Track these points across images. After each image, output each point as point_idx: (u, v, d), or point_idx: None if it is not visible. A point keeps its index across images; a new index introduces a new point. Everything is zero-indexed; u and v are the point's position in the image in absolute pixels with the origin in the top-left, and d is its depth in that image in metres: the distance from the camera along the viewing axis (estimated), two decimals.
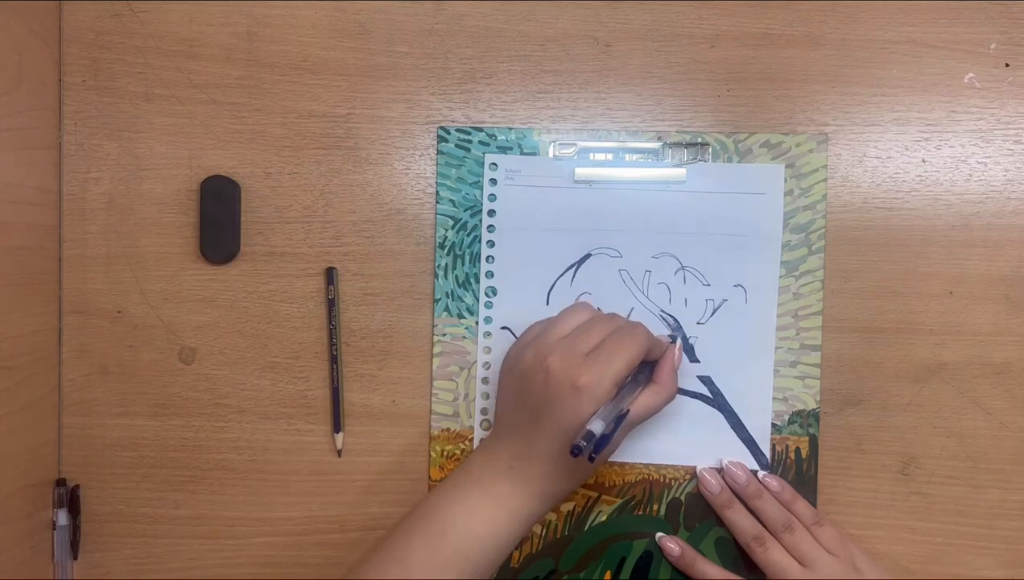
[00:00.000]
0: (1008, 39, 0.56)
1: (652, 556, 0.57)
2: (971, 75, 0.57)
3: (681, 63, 0.57)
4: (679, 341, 0.56)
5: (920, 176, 0.57)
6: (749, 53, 0.57)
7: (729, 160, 0.57)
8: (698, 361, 0.58)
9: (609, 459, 0.57)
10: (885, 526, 0.57)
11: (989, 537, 0.57)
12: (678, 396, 0.57)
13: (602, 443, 0.47)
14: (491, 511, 0.49)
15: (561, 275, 0.58)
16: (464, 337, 0.58)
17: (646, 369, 0.53)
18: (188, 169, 0.59)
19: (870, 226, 0.57)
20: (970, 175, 0.57)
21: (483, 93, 0.58)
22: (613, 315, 0.54)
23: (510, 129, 0.58)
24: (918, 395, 0.57)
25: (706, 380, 0.57)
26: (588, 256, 0.58)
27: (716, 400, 0.57)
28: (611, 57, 0.58)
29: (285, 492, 0.59)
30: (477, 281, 0.58)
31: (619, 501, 0.58)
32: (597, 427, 0.47)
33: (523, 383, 0.50)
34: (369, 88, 0.58)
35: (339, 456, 0.59)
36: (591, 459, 0.46)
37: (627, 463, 0.58)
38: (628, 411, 0.49)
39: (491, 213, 0.58)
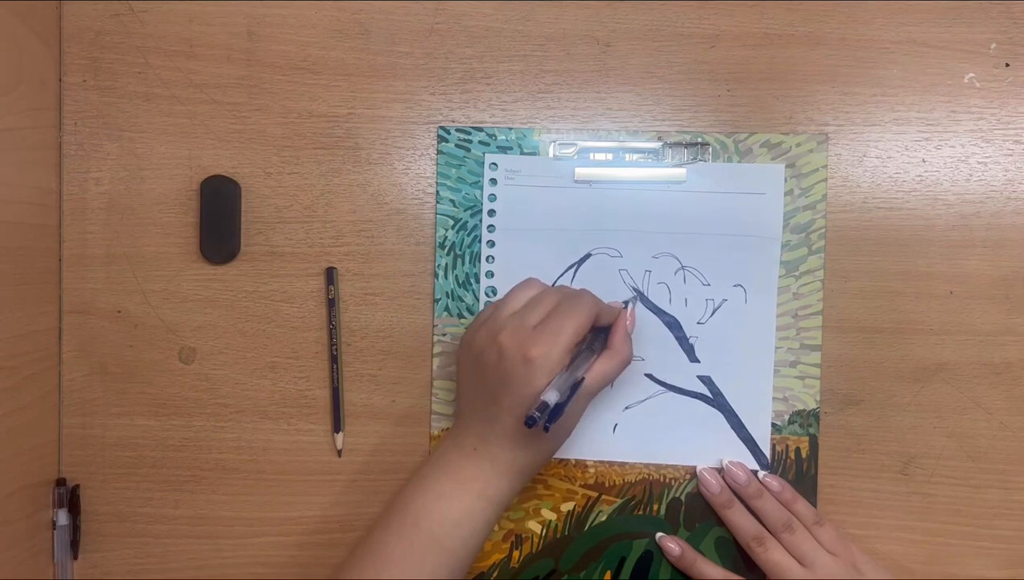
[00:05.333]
0: (1008, 39, 0.56)
1: (652, 556, 0.57)
2: (971, 75, 0.57)
3: (681, 63, 0.57)
4: (632, 306, 0.56)
5: (920, 176, 0.57)
6: (749, 53, 0.57)
7: (729, 160, 0.57)
8: (698, 361, 0.58)
9: (611, 457, 0.57)
10: (885, 526, 0.57)
11: (989, 537, 0.57)
12: (678, 396, 0.57)
13: (556, 413, 0.47)
14: (459, 495, 0.50)
15: (561, 275, 0.58)
16: None
17: (601, 336, 0.53)
18: (188, 169, 0.59)
19: (870, 226, 0.57)
20: (970, 175, 0.57)
21: (483, 93, 0.58)
22: (561, 287, 0.55)
23: (510, 129, 0.58)
24: (918, 395, 0.57)
25: (706, 380, 0.57)
26: (588, 256, 0.58)
27: (716, 400, 0.57)
28: (611, 57, 0.58)
29: (285, 492, 0.59)
30: (477, 281, 0.58)
31: (619, 501, 0.58)
32: (551, 397, 0.47)
33: (478, 363, 0.51)
34: (369, 88, 0.58)
35: (339, 456, 0.59)
36: (546, 429, 0.47)
37: (627, 463, 0.58)
38: (583, 379, 0.49)
39: (491, 213, 0.58)
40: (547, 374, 0.48)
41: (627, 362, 0.53)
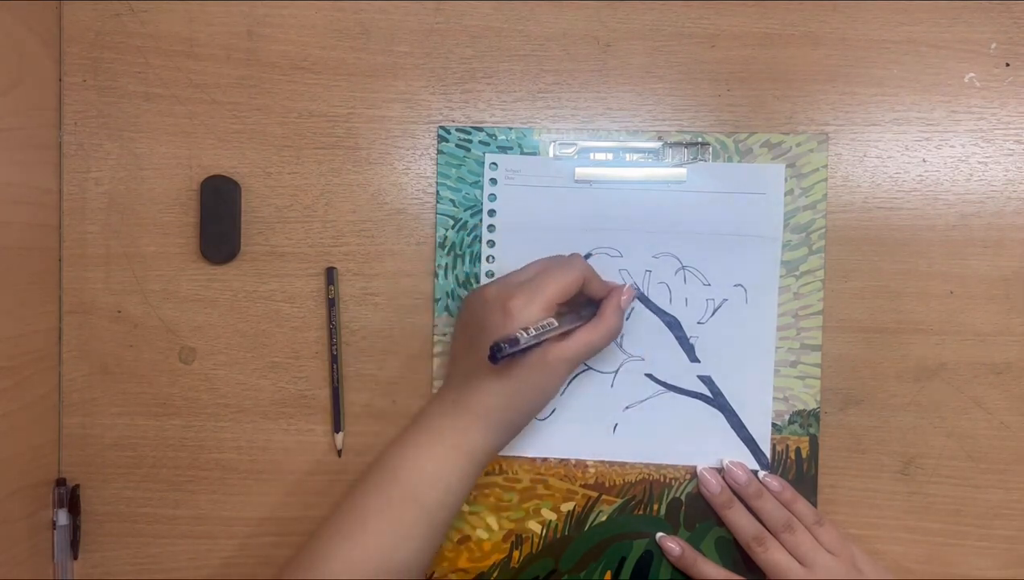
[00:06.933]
0: (1008, 39, 0.56)
1: (652, 556, 0.57)
2: (971, 75, 0.57)
3: (681, 63, 0.57)
4: (630, 285, 0.56)
5: (920, 176, 0.57)
6: (749, 53, 0.57)
7: (729, 160, 0.57)
8: (698, 361, 0.57)
9: (611, 457, 0.57)
10: (885, 526, 0.57)
11: (989, 537, 0.57)
12: (678, 396, 0.57)
13: (517, 349, 0.47)
14: (434, 447, 0.50)
15: None
16: None
17: (592, 307, 0.54)
18: (188, 169, 0.59)
19: (870, 226, 0.57)
20: (970, 175, 0.57)
21: (483, 93, 0.58)
22: (557, 255, 0.56)
23: (510, 129, 0.58)
24: (918, 395, 0.57)
25: (706, 380, 0.57)
26: (588, 256, 0.58)
27: (716, 400, 0.57)
28: (611, 57, 0.58)
29: (285, 492, 0.59)
30: (477, 281, 0.58)
31: (619, 501, 0.58)
32: (521, 334, 0.47)
33: (465, 318, 0.54)
34: (369, 88, 0.58)
35: (339, 456, 0.59)
36: (495, 359, 0.46)
37: (627, 463, 0.58)
38: (556, 327, 0.49)
39: (491, 213, 0.58)
40: (523, 324, 0.48)
41: (613, 334, 0.53)
